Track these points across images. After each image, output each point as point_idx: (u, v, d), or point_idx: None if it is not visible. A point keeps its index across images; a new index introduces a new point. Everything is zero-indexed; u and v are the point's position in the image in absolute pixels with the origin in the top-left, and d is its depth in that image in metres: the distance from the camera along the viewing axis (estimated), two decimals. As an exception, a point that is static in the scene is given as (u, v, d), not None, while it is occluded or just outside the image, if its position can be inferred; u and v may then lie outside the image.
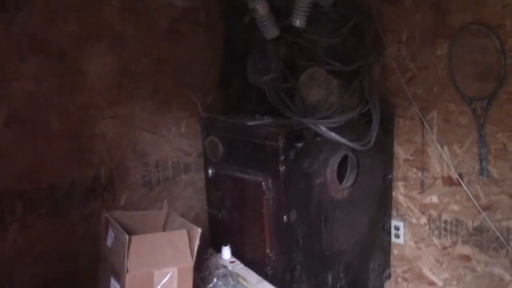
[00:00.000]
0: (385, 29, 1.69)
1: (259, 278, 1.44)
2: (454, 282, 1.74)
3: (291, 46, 1.62)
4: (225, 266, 1.51)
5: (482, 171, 1.56)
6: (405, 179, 1.82)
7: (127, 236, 1.14)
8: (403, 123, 1.77)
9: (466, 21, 1.52)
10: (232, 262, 1.54)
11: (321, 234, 1.55)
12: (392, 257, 1.93)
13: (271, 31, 1.55)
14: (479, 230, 1.62)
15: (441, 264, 1.77)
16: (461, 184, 1.63)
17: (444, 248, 1.74)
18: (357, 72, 1.59)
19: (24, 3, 1.23)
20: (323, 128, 1.45)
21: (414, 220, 1.82)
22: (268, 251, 1.49)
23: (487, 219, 1.57)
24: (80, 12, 1.37)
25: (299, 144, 1.41)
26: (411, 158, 1.78)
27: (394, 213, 1.87)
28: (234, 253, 1.57)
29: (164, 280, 1.18)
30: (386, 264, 1.90)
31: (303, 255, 1.49)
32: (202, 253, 1.54)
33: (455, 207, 1.68)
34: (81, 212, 1.43)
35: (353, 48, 1.62)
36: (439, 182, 1.71)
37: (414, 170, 1.78)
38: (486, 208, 1.58)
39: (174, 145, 1.70)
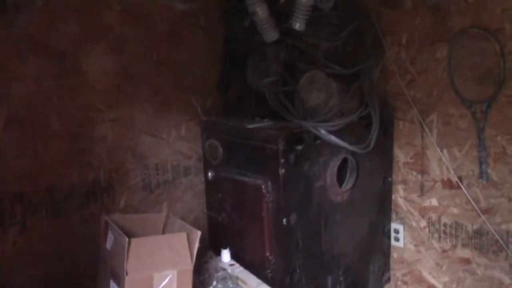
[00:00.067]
0: (385, 32, 1.70)
1: (259, 281, 1.44)
2: (454, 285, 1.74)
3: (291, 49, 1.62)
4: (224, 269, 1.51)
5: (482, 174, 1.56)
6: (404, 182, 1.82)
7: (126, 239, 1.13)
8: (402, 126, 1.77)
9: (465, 24, 1.52)
10: (231, 265, 1.53)
11: (320, 237, 1.54)
12: (391, 260, 1.93)
13: (271, 34, 1.55)
14: (479, 233, 1.62)
15: (441, 267, 1.77)
16: (460, 187, 1.63)
17: (444, 251, 1.74)
18: (357, 75, 1.59)
19: (24, 4, 1.23)
20: (323, 131, 1.45)
21: (413, 223, 1.82)
22: (267, 254, 1.48)
23: (487, 222, 1.57)
24: (80, 13, 1.37)
25: (299, 147, 1.41)
26: (410, 161, 1.78)
27: (393, 216, 1.87)
28: (234, 256, 1.56)
29: (164, 283, 1.18)
30: (385, 267, 1.90)
31: (302, 258, 1.49)
32: (202, 256, 1.53)
33: (455, 210, 1.68)
34: (80, 214, 1.42)
35: (353, 51, 1.62)
36: (438, 185, 1.71)
37: (414, 173, 1.78)
38: (485, 211, 1.58)
39: (174, 148, 1.70)
